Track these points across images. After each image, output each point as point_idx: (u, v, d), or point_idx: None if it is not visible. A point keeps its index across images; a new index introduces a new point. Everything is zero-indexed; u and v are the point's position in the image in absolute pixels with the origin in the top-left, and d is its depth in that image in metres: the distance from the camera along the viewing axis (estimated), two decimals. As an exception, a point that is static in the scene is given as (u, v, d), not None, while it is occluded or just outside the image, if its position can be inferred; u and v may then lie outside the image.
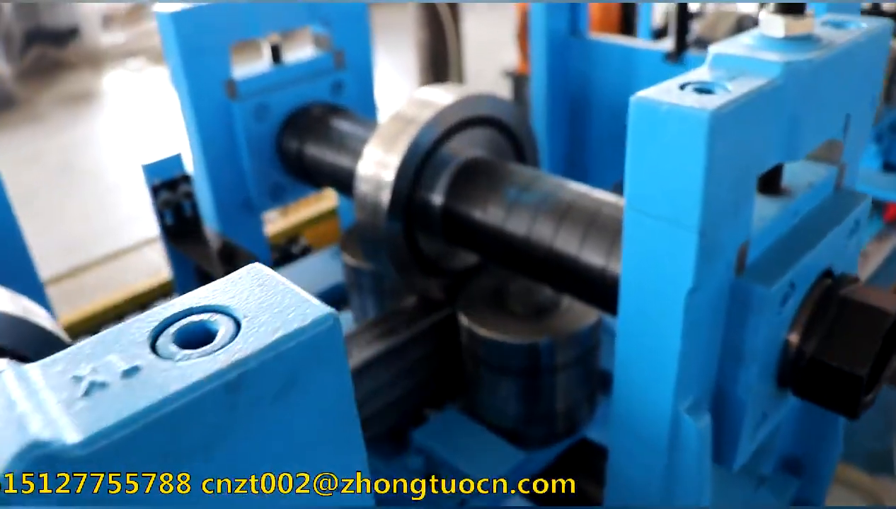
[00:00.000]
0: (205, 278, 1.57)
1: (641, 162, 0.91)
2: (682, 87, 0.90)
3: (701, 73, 0.96)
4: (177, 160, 1.65)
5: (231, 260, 1.48)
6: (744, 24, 3.27)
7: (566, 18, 2.33)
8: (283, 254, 2.91)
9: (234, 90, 1.90)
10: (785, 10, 1.00)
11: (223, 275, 0.60)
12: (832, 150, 1.19)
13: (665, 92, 0.89)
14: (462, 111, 1.56)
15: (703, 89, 0.90)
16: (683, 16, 1.99)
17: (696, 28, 2.66)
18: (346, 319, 2.11)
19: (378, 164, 1.51)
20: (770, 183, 1.12)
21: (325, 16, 2.02)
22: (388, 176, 1.48)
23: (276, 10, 1.93)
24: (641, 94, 0.90)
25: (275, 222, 3.14)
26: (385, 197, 1.48)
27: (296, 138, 1.93)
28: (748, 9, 3.02)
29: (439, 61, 4.44)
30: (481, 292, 1.63)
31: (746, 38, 1.02)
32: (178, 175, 1.63)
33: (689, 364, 0.99)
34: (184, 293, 0.56)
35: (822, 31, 1.07)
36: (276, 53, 2.00)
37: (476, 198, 1.49)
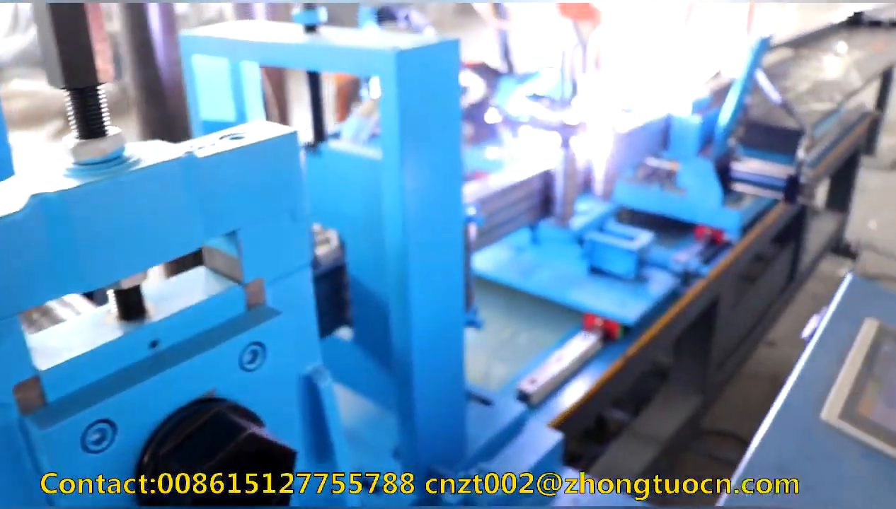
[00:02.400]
0: None
1: None
2: None
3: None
4: None
5: None
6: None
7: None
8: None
9: None
10: (83, 134, 0.96)
11: None
12: (234, 269, 1.14)
13: None
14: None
15: None
16: (317, 102, 1.97)
17: (357, 112, 2.66)
18: None
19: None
20: (128, 308, 1.06)
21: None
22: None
23: None
24: None
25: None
26: None
27: None
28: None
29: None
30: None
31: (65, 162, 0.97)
32: None
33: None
34: None
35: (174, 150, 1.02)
36: None
37: None
